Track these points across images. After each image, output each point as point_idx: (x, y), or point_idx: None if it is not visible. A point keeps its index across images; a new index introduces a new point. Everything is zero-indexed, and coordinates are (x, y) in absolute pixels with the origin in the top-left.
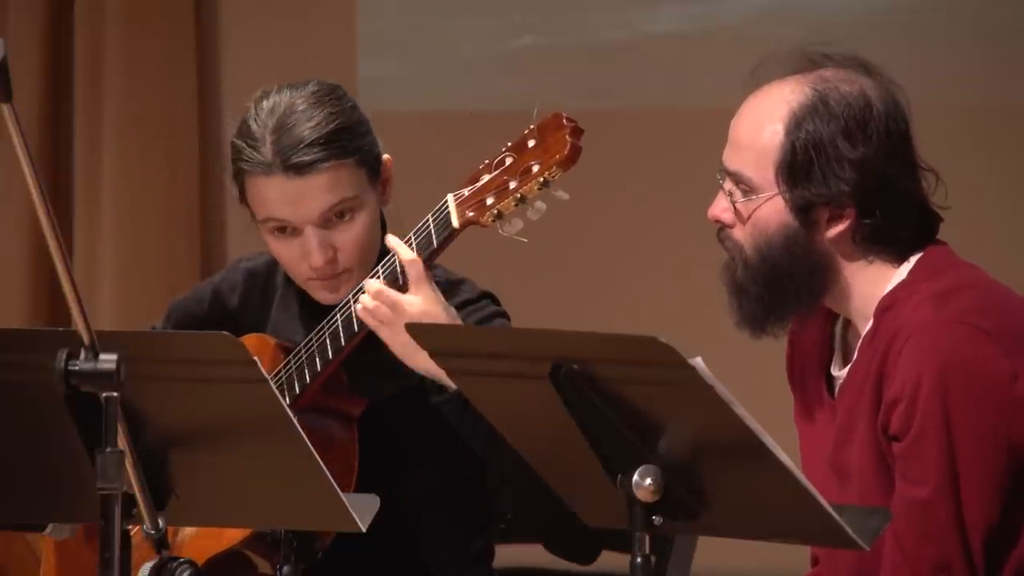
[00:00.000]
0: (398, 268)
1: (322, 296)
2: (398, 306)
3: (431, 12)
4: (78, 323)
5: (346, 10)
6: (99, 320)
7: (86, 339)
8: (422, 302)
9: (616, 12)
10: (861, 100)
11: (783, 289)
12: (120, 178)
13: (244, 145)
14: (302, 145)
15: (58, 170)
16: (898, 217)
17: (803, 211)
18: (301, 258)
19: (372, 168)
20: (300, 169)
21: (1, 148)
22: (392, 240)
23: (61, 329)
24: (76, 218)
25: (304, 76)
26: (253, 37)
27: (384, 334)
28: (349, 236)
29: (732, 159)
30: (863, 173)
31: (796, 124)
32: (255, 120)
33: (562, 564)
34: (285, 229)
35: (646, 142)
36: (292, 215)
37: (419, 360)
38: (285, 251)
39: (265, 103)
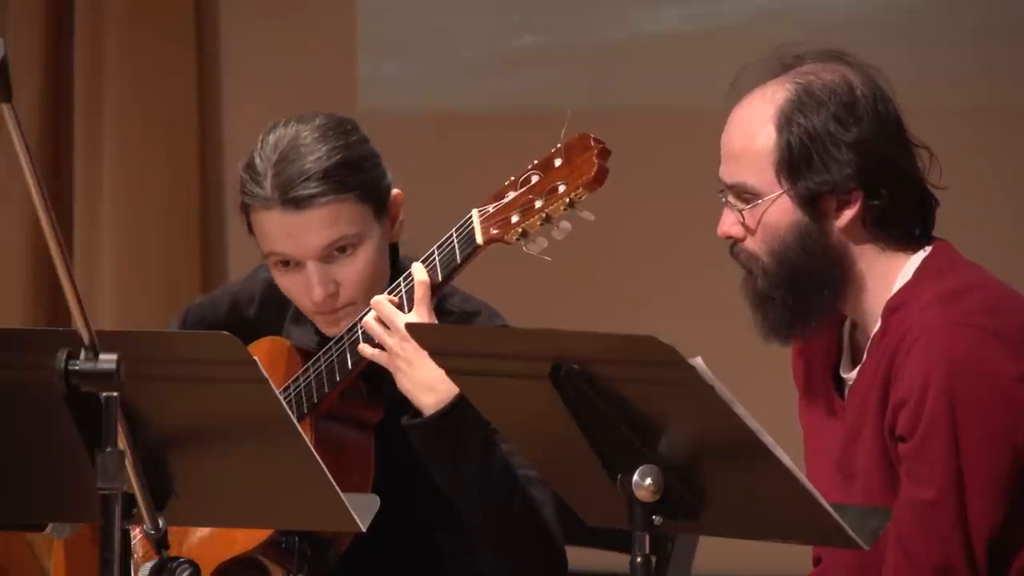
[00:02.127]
0: (404, 295)
1: (325, 329)
2: (392, 323)
3: (431, 12)
4: (78, 323)
5: (346, 10)
6: (99, 320)
7: (86, 339)
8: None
9: (616, 12)
10: (844, 85)
11: (805, 288)
12: (120, 178)
13: (248, 178)
14: (300, 179)
15: (58, 170)
16: (903, 195)
17: (810, 203)
18: (304, 291)
19: (379, 202)
20: (298, 203)
21: (1, 148)
22: (416, 265)
23: (61, 329)
24: (76, 218)
25: (304, 76)
26: (253, 37)
27: (379, 356)
28: (351, 271)
29: (730, 172)
30: (862, 153)
31: (786, 120)
32: (259, 154)
33: None
34: (288, 263)
35: (646, 142)
36: (292, 249)
37: (403, 381)
38: (289, 284)
39: (271, 136)
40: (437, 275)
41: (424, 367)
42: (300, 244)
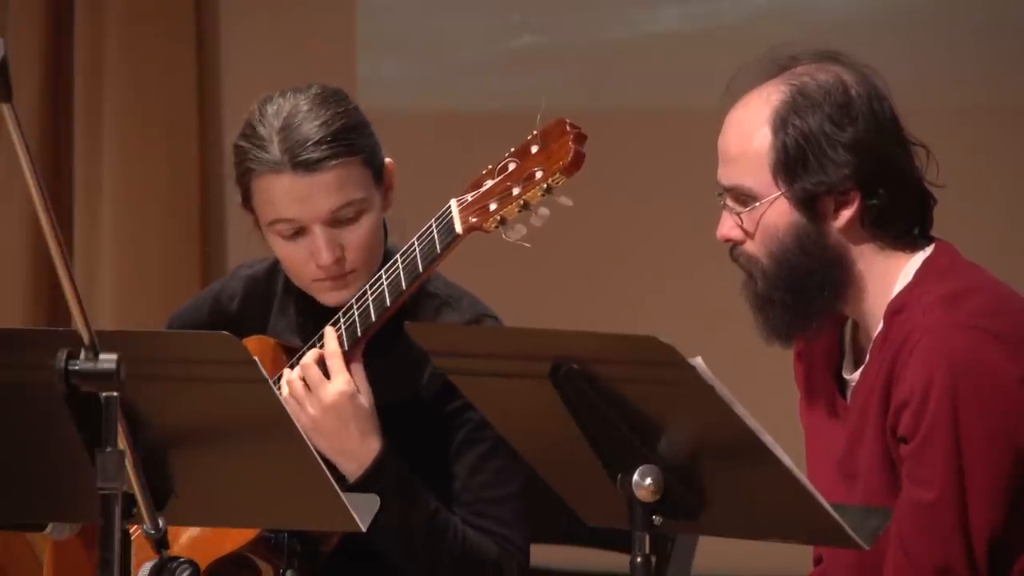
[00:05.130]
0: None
1: (329, 297)
2: (315, 389)
3: (431, 12)
4: (78, 323)
5: (346, 10)
6: (99, 320)
7: (86, 339)
8: (339, 392)
9: (615, 12)
10: (839, 85)
11: (805, 289)
12: (120, 178)
13: (250, 146)
14: (310, 142)
15: (58, 170)
16: (901, 194)
17: (808, 205)
18: (308, 258)
19: (377, 170)
20: (309, 166)
21: (1, 148)
22: (327, 331)
23: (61, 329)
24: (76, 218)
25: (304, 75)
26: (253, 37)
27: (292, 406)
28: (357, 236)
29: (727, 174)
30: (858, 152)
31: (781, 122)
32: (260, 122)
33: (563, 563)
34: (293, 230)
35: (646, 142)
36: (301, 213)
37: (321, 445)
38: (292, 253)
39: (269, 107)
40: (418, 266)
41: (340, 437)
42: (310, 208)
